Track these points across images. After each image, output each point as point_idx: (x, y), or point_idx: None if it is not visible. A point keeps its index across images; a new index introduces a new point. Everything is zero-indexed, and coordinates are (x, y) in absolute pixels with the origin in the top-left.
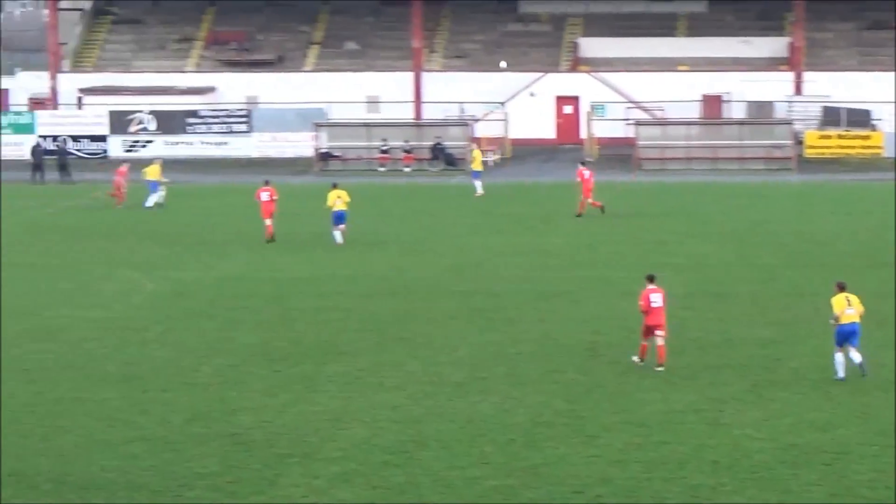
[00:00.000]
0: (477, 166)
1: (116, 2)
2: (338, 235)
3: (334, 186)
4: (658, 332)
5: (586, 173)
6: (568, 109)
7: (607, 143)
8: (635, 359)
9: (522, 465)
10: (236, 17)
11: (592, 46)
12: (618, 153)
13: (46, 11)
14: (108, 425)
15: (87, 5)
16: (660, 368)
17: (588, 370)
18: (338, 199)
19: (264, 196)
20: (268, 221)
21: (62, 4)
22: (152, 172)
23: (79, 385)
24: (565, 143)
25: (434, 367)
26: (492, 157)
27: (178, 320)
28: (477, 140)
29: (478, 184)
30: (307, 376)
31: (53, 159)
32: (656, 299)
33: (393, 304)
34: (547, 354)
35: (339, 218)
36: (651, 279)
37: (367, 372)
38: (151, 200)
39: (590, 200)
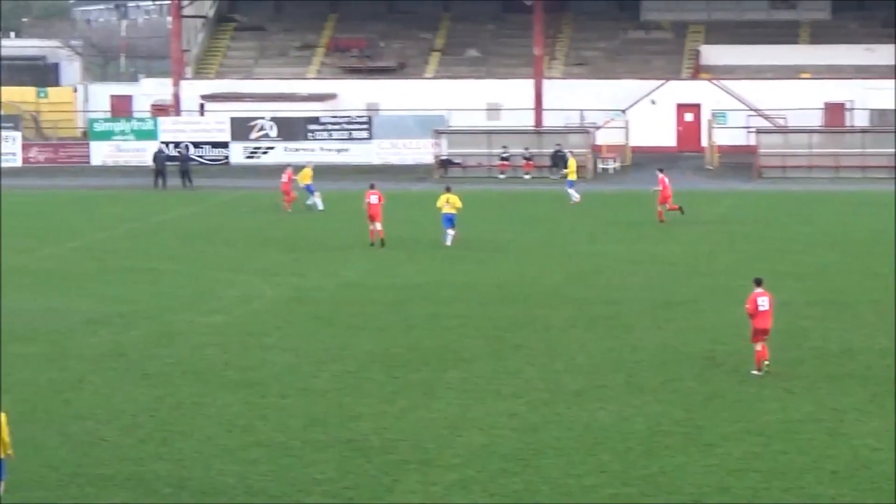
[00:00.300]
0: (572, 176)
1: (239, 9)
2: (447, 238)
3: (447, 190)
4: (765, 337)
5: (666, 180)
6: (689, 117)
7: (728, 151)
8: (754, 372)
9: (640, 474)
10: (358, 25)
11: (714, 54)
12: (738, 161)
13: (170, 19)
14: (227, 430)
15: (211, 13)
16: (766, 365)
17: (707, 379)
18: (447, 203)
19: (372, 199)
20: (376, 225)
21: (185, 12)
22: (305, 176)
23: (198, 390)
24: (686, 151)
25: (552, 375)
26: (612, 165)
27: (298, 326)
28: (598, 147)
29: (572, 192)
30: (425, 383)
31: (175, 165)
32: (763, 303)
33: (511, 311)
34: (666, 363)
35: (448, 221)
36: (759, 283)
37: (485, 379)
38: (318, 202)
39: (667, 206)
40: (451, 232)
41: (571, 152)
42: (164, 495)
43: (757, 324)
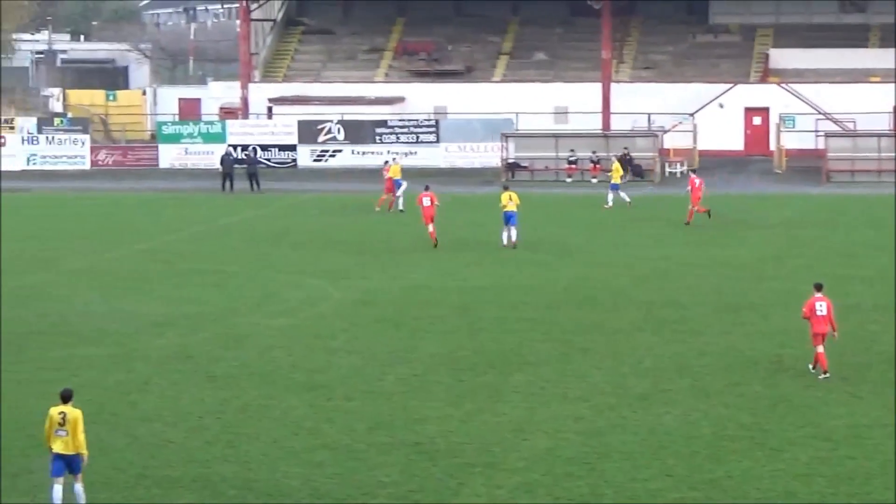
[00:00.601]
0: (616, 179)
1: (307, 12)
2: (506, 236)
3: (505, 188)
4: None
5: (696, 181)
6: (757, 121)
7: (796, 155)
8: (822, 376)
9: (705, 479)
10: (426, 28)
11: (783, 57)
12: (806, 165)
13: (238, 22)
14: (293, 433)
15: (279, 16)
16: (825, 376)
17: (773, 383)
18: (509, 201)
19: (425, 201)
20: (430, 227)
21: (254, 15)
22: (395, 171)
23: (264, 392)
24: (753, 155)
25: (618, 379)
26: (679, 169)
27: (364, 329)
28: (665, 151)
29: (611, 196)
30: (491, 386)
31: (243, 168)
32: (821, 308)
33: (577, 314)
34: (732, 367)
35: (508, 218)
36: (818, 288)
37: (551, 382)
38: (401, 202)
39: (697, 208)
40: (512, 230)
41: (616, 156)
42: (229, 497)
43: (815, 328)
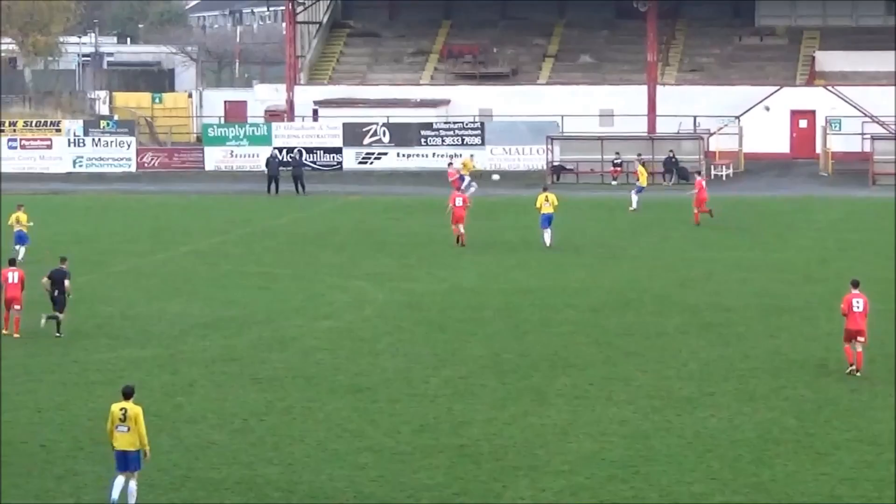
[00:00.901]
0: (643, 182)
1: (353, 15)
2: (546, 237)
3: (544, 189)
4: (858, 339)
5: (703, 183)
6: (803, 124)
7: (842, 158)
8: (850, 370)
9: (750, 482)
10: (471, 31)
11: (829, 60)
12: (853, 168)
13: (284, 25)
14: (338, 435)
15: (325, 18)
16: (857, 374)
17: (819, 387)
18: (545, 202)
19: (458, 202)
20: (459, 227)
21: (300, 18)
22: (466, 166)
23: (309, 395)
24: (800, 158)
25: (663, 382)
26: (725, 172)
27: (409, 331)
28: (711, 154)
29: (635, 198)
30: (536, 389)
31: (288, 171)
32: (857, 304)
33: (622, 317)
34: (777, 370)
35: (546, 220)
36: (855, 284)
37: (596, 386)
38: (471, 188)
39: (701, 209)
40: (548, 231)
41: (644, 161)
42: (273, 499)
43: (849, 325)
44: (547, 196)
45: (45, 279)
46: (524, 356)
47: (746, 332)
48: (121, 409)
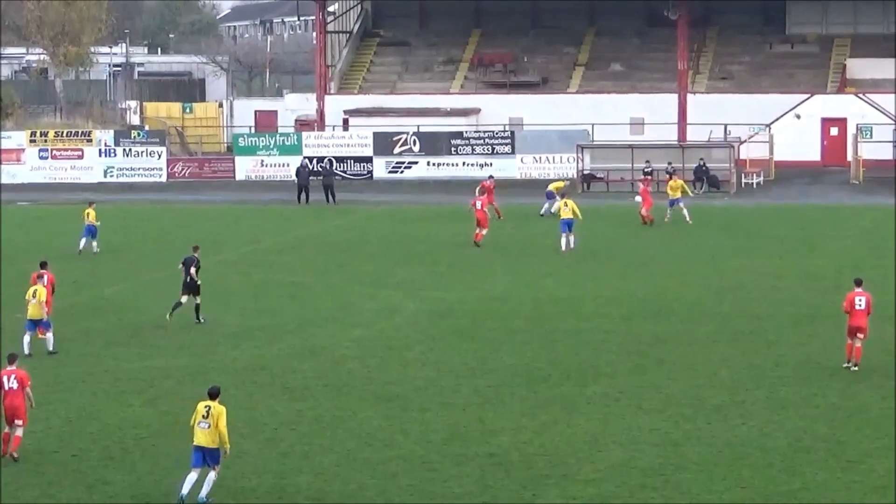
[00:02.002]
0: (675, 194)
1: (383, 24)
2: (564, 242)
3: (562, 196)
4: (858, 335)
5: (649, 189)
6: (834, 131)
7: (873, 166)
8: (845, 365)
9: (781, 490)
10: (502, 40)
11: (860, 67)
12: (884, 176)
13: (314, 34)
14: (368, 444)
15: (355, 28)
16: (854, 368)
17: (850, 394)
18: (565, 207)
19: (478, 204)
20: (480, 230)
21: (330, 27)
22: (556, 186)
23: (339, 403)
24: (831, 166)
25: (693, 390)
26: (755, 179)
27: (439, 340)
28: (742, 162)
29: (669, 211)
30: (566, 397)
31: (318, 180)
32: (860, 302)
33: (653, 325)
34: (808, 378)
35: (565, 225)
36: (858, 283)
37: (627, 394)
38: (553, 208)
39: (646, 212)
40: (570, 237)
41: (671, 171)
42: None
43: (851, 321)
44: (566, 202)
45: (180, 266)
46: (554, 365)
47: (777, 340)
48: (205, 407)
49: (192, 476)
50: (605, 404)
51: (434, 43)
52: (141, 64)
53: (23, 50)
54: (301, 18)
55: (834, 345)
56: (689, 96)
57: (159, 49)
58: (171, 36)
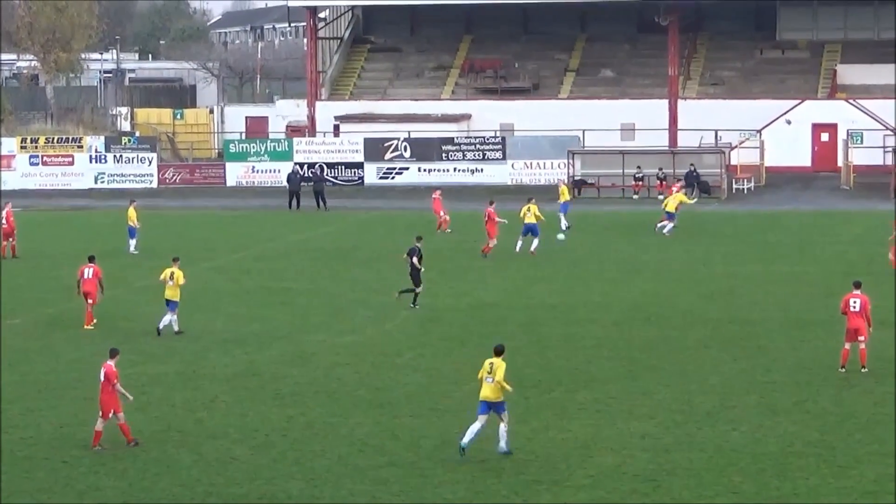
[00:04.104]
0: (671, 208)
1: (374, 30)
2: (520, 245)
3: (529, 200)
4: (859, 338)
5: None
6: (825, 137)
7: (864, 171)
8: (840, 370)
9: (772, 496)
10: (492, 45)
11: (851, 73)
12: (875, 181)
13: (305, 40)
14: (359, 450)
15: (346, 34)
16: (863, 370)
17: (841, 400)
18: (528, 212)
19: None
20: (491, 242)
21: (321, 33)
22: (564, 193)
23: (331, 410)
24: (821, 171)
25: (685, 396)
26: (746, 185)
27: (431, 346)
28: (732, 168)
29: (670, 225)
30: (557, 403)
31: (309, 186)
32: (854, 304)
33: (645, 331)
34: (799, 384)
35: (526, 229)
36: (857, 285)
37: (618, 400)
38: (564, 224)
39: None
40: (534, 241)
41: (677, 182)
42: None
43: (849, 324)
44: (530, 207)
45: (405, 255)
46: (546, 370)
47: (768, 345)
48: (489, 363)
49: (476, 426)
50: (597, 410)
51: (425, 49)
52: (132, 70)
53: (13, 56)
54: (292, 24)
55: (825, 350)
56: (680, 102)
57: (150, 55)
58: (161, 42)
